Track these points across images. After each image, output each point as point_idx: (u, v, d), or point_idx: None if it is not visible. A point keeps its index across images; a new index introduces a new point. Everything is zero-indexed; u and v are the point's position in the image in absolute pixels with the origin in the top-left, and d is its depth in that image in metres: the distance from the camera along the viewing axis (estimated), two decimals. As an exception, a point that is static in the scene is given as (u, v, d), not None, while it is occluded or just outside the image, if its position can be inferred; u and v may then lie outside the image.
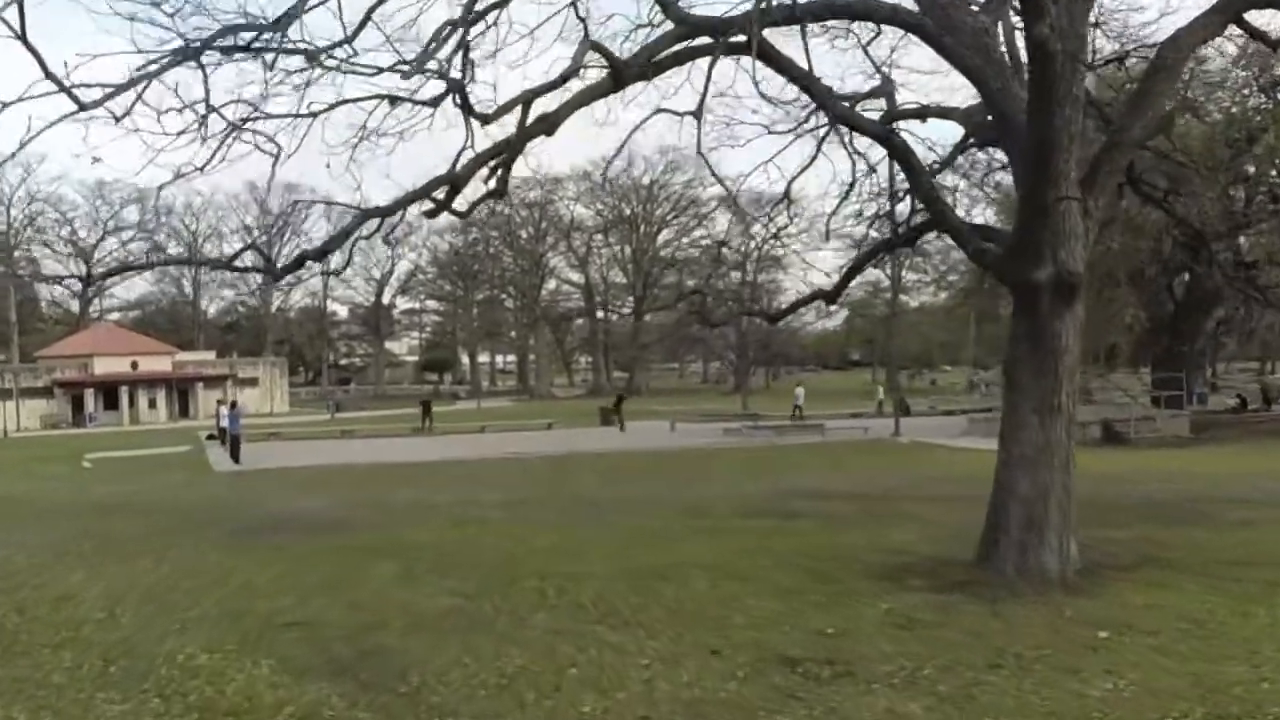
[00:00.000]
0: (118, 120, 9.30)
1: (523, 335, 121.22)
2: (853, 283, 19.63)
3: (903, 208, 18.71)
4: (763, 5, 10.13)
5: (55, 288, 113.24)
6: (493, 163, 10.66)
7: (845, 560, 12.91)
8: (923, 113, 15.76)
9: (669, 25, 11.30)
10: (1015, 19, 13.14)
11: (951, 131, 17.45)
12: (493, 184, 10.85)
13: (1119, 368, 44.72)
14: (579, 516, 19.02)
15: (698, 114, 9.52)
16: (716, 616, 9.95)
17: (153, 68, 9.33)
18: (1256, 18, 13.46)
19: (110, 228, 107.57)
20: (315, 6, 10.26)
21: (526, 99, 10.23)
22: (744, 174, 16.23)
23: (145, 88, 9.41)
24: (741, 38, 10.46)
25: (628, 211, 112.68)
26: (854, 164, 15.27)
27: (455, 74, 10.81)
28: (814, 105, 15.94)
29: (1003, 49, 12.62)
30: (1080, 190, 11.47)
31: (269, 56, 10.08)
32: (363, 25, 10.50)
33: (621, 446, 42.61)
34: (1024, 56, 12.65)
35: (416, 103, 10.85)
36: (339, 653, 8.99)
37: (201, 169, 10.26)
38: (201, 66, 9.60)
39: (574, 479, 29.53)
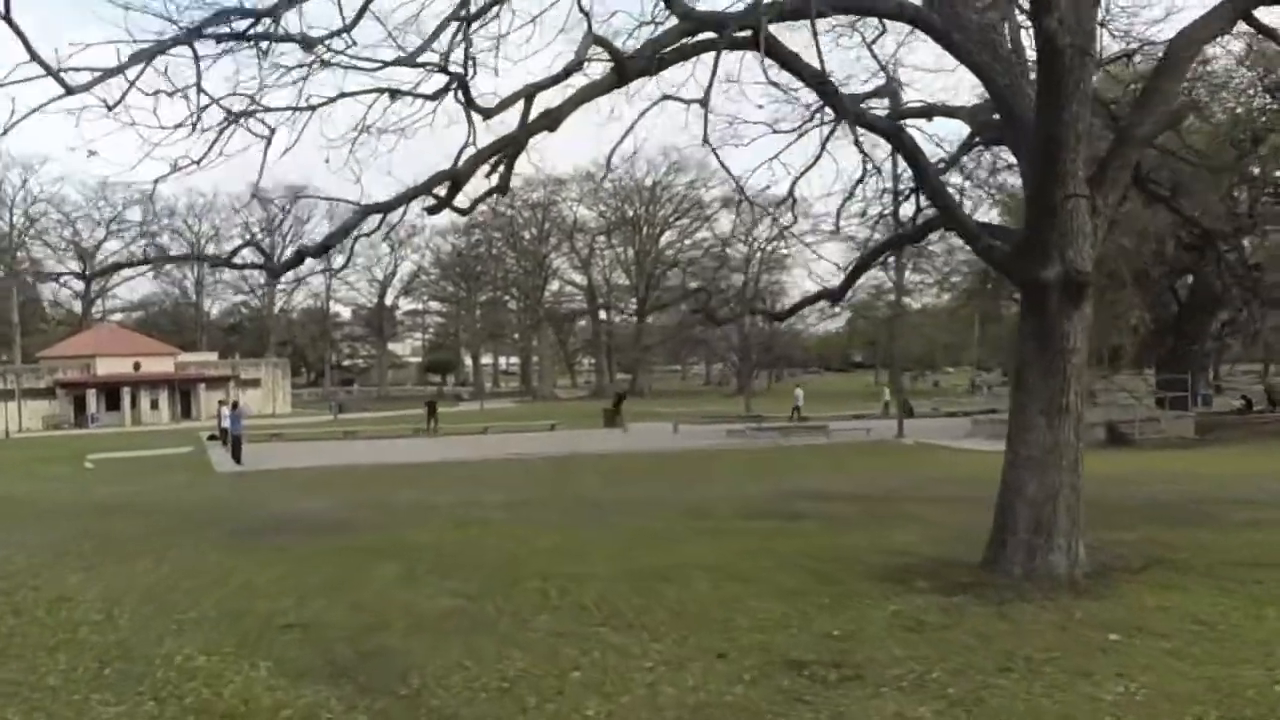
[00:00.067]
0: (110, 109, 9.16)
1: (526, 336, 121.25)
2: (857, 283, 19.51)
3: (908, 207, 18.69)
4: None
5: (59, 289, 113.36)
6: (494, 159, 10.54)
7: (850, 562, 12.78)
8: (928, 111, 15.64)
9: (674, 21, 11.18)
10: (1021, 18, 13.06)
11: (957, 132, 17.43)
12: (495, 180, 10.73)
13: (1123, 369, 44.58)
14: (582, 518, 18.91)
15: (704, 102, 9.40)
16: (721, 619, 9.82)
17: (144, 53, 9.17)
18: (1265, 14, 13.33)
19: (113, 229, 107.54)
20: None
21: (529, 93, 10.11)
22: (749, 171, 16.06)
23: (139, 75, 9.27)
24: (746, 32, 10.34)
25: (630, 213, 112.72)
26: (867, 159, 15.15)
27: (456, 68, 10.72)
28: (819, 104, 15.90)
29: (1009, 46, 12.51)
30: (1089, 188, 11.34)
31: (265, 46, 9.95)
32: (361, 14, 10.37)
33: (624, 448, 42.53)
34: (1030, 54, 12.58)
35: (418, 96, 10.75)
36: (339, 655, 8.86)
37: (198, 162, 10.13)
38: (194, 52, 9.46)
39: (576, 480, 29.44)
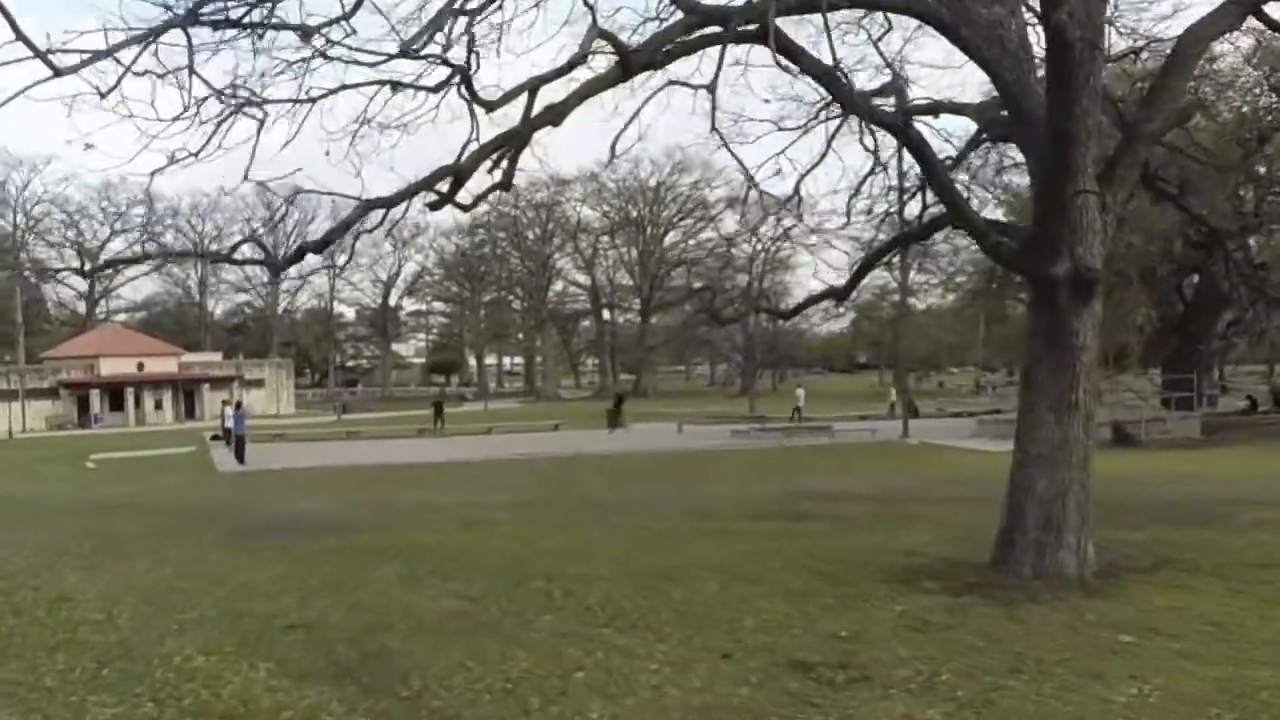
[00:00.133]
0: (102, 96, 9.05)
1: (529, 337, 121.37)
2: (862, 282, 19.41)
3: (913, 206, 18.59)
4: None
5: (61, 289, 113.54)
6: (497, 154, 10.43)
7: (856, 562, 12.65)
8: (935, 108, 15.56)
9: (679, 16, 11.07)
10: (1028, 15, 12.97)
11: (963, 131, 17.33)
12: (498, 176, 10.62)
13: (1130, 369, 44.47)
14: (585, 518, 18.80)
15: (711, 88, 9.27)
16: (727, 619, 9.70)
17: (136, 35, 9.05)
18: (1276, 10, 13.22)
19: (116, 229, 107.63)
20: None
21: (532, 86, 9.99)
22: (755, 167, 15.96)
23: (134, 60, 9.16)
24: (752, 26, 10.24)
25: (634, 213, 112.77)
26: (877, 153, 15.06)
27: (458, 60, 10.61)
28: (824, 101, 15.83)
29: (1016, 42, 12.40)
30: (1098, 185, 11.23)
31: (261, 34, 9.82)
32: (360, 2, 10.26)
33: (628, 448, 42.46)
34: (1037, 51, 12.48)
35: (419, 88, 10.64)
36: (340, 655, 8.75)
37: (196, 154, 10.02)
38: (189, 38, 9.35)
39: (581, 481, 29.39)
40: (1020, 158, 29.40)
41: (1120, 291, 33.68)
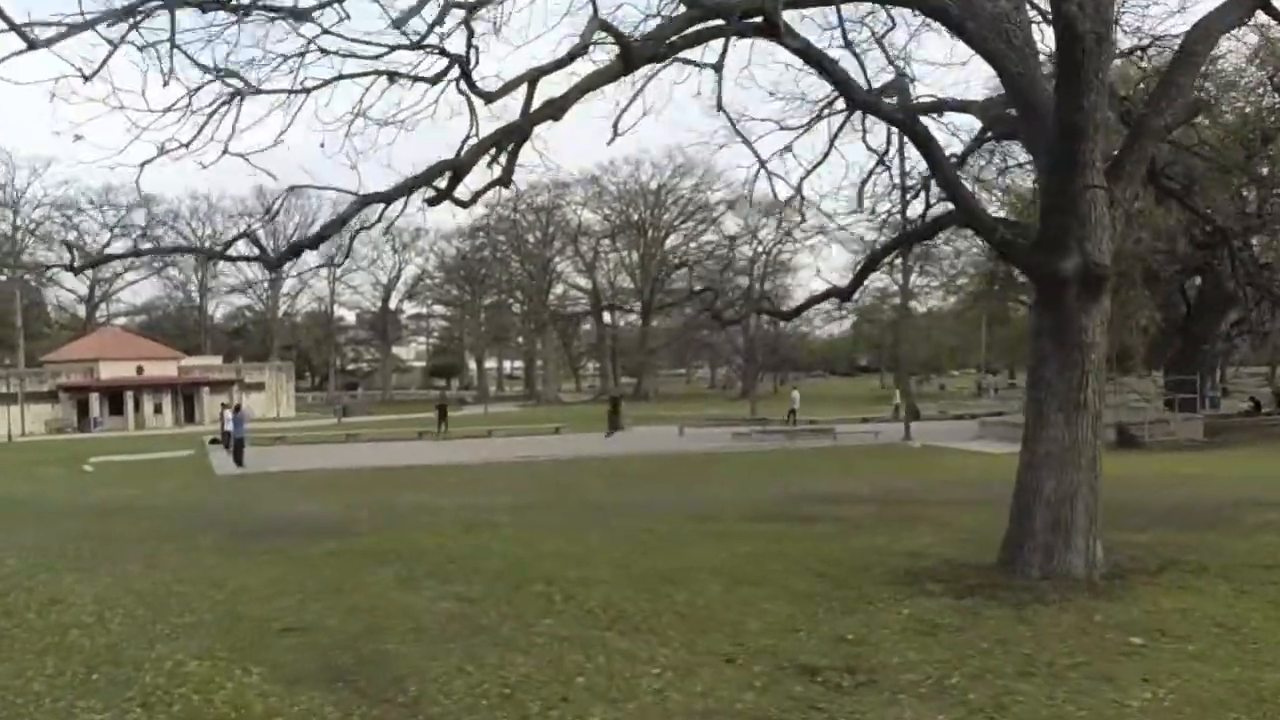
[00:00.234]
0: (86, 79, 8.86)
1: (530, 340, 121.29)
2: (865, 282, 19.27)
3: (916, 205, 18.46)
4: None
5: (61, 292, 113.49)
6: (496, 148, 10.26)
7: (860, 565, 12.48)
8: (939, 106, 15.41)
9: (681, 8, 10.91)
10: (1032, 13, 12.84)
11: (967, 129, 17.19)
12: (497, 172, 10.45)
13: (1133, 370, 44.38)
14: (586, 521, 18.63)
15: (718, 68, 9.12)
16: (730, 622, 9.53)
17: (116, 10, 8.85)
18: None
19: (116, 232, 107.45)
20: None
21: (532, 77, 9.82)
22: (756, 165, 15.82)
23: (121, 39, 8.95)
24: (756, 19, 10.08)
25: (635, 216, 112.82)
26: (886, 149, 14.92)
27: (457, 51, 10.43)
28: (827, 99, 15.69)
29: (1022, 37, 12.26)
30: (1106, 180, 11.08)
31: (250, 15, 9.64)
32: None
33: (629, 451, 42.33)
34: (1042, 48, 12.36)
35: (417, 79, 10.47)
36: (335, 660, 8.57)
37: (187, 145, 9.86)
38: (172, 16, 9.16)
39: (581, 483, 29.28)
40: (1024, 157, 29.27)
41: (1125, 292, 33.55)
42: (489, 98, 10.18)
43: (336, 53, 10.31)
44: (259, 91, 10.13)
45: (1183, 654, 8.11)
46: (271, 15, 9.90)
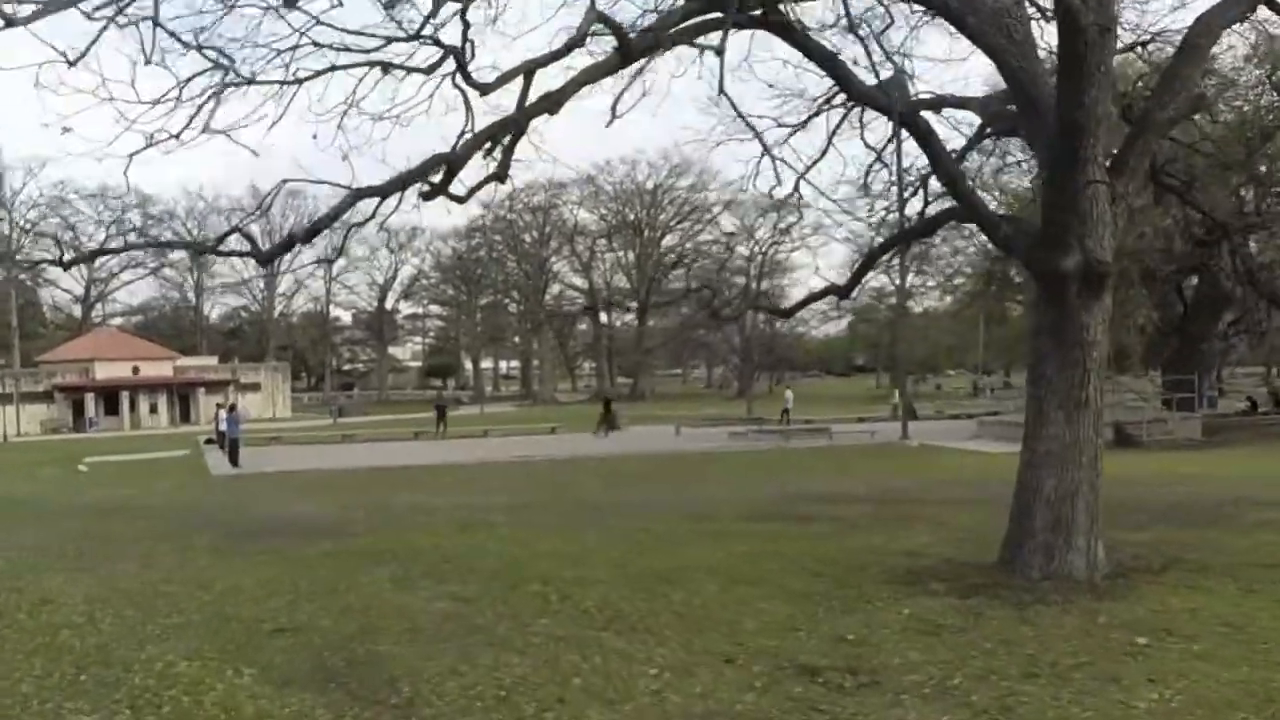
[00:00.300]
0: (71, 65, 8.72)
1: (526, 340, 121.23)
2: (862, 281, 19.18)
3: (915, 202, 18.37)
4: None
5: (56, 292, 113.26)
6: (490, 142, 10.13)
7: (858, 564, 12.37)
8: (939, 102, 15.30)
9: (679, 1, 10.79)
10: (1031, 10, 12.74)
11: (967, 125, 17.10)
12: (493, 167, 10.31)
13: (1130, 370, 44.31)
14: (582, 520, 18.51)
15: (720, 50, 8.99)
16: (728, 622, 9.40)
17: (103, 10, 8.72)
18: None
19: (112, 232, 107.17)
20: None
21: (528, 69, 9.69)
22: (755, 160, 15.73)
23: (105, 23, 8.80)
24: (755, 11, 9.96)
25: (631, 216, 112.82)
26: (885, 147, 14.80)
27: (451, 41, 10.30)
28: (825, 95, 15.59)
29: (1023, 32, 12.16)
30: (1108, 175, 10.97)
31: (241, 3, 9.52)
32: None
33: (625, 450, 42.24)
34: (1041, 45, 12.25)
35: (411, 69, 10.33)
36: (328, 661, 8.45)
37: (177, 135, 9.72)
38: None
39: (577, 483, 29.15)
40: (1021, 156, 29.14)
41: (1123, 291, 33.51)
42: (484, 89, 10.04)
43: (330, 46, 10.18)
44: (249, 82, 9.99)
45: (1188, 654, 8.00)
46: (263, 6, 9.78)
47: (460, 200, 10.69)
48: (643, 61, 10.66)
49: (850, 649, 8.38)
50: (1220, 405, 53.60)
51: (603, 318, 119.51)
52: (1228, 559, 11.98)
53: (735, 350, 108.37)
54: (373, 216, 10.78)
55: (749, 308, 68.36)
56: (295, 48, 10.14)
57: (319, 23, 9.96)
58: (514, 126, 10.04)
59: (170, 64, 9.65)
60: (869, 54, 12.02)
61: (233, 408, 44.99)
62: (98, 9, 8.74)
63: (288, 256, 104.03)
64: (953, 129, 17.15)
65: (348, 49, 10.15)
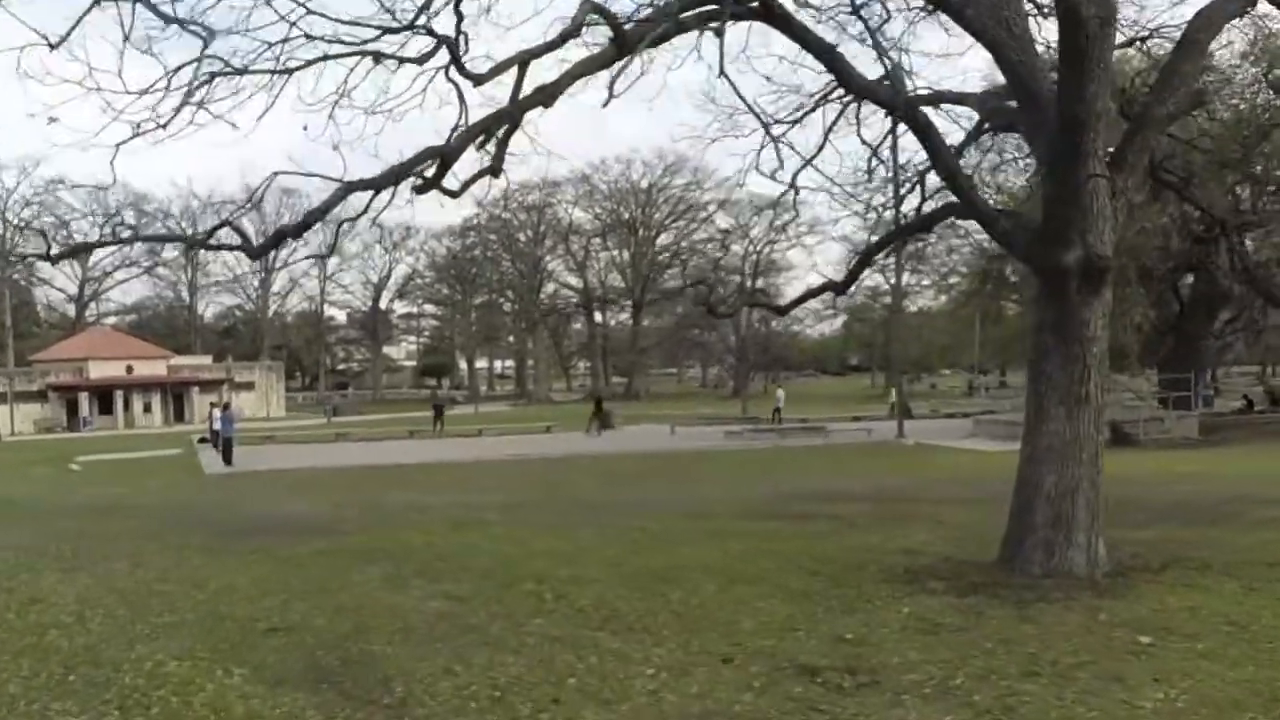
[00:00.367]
0: (52, 48, 8.59)
1: (521, 339, 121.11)
2: (860, 278, 19.08)
3: (911, 199, 18.26)
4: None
5: (51, 292, 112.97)
6: (483, 136, 10.01)
7: (856, 563, 12.28)
8: (936, 98, 15.18)
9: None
10: (1028, 5, 12.66)
11: (966, 119, 16.99)
12: (487, 161, 10.19)
13: (1127, 368, 44.27)
14: (578, 519, 18.40)
15: (720, 32, 8.88)
16: (726, 621, 9.29)
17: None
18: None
19: (107, 232, 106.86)
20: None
21: (523, 59, 9.57)
22: (751, 155, 15.62)
23: (89, 7, 8.67)
24: (753, 4, 9.85)
25: (626, 215, 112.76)
26: (882, 140, 14.70)
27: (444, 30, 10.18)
28: (823, 91, 15.48)
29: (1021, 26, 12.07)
30: (1108, 170, 10.88)
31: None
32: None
33: (621, 449, 42.17)
34: (1039, 41, 12.15)
35: (403, 59, 10.20)
36: (320, 661, 8.32)
37: (164, 125, 9.59)
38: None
39: (572, 482, 29.09)
40: (1017, 154, 29.03)
41: (1120, 289, 33.46)
42: (478, 80, 9.91)
43: (322, 38, 10.06)
44: (238, 71, 9.86)
45: (1192, 653, 7.90)
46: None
47: (454, 195, 10.57)
48: (640, 54, 10.51)
49: (849, 648, 8.27)
50: (1216, 404, 53.63)
51: (597, 317, 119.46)
52: (1229, 557, 11.90)
53: (730, 350, 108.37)
54: (365, 211, 10.66)
55: (746, 304, 68.18)
56: (286, 40, 10.02)
57: (310, 12, 9.84)
58: (508, 119, 9.92)
59: (158, 52, 9.54)
60: (875, 40, 11.87)
61: (226, 406, 44.90)
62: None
63: (282, 254, 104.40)
64: (953, 121, 16.99)
65: (340, 40, 10.04)
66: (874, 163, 16.49)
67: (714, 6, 10.30)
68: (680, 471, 32.63)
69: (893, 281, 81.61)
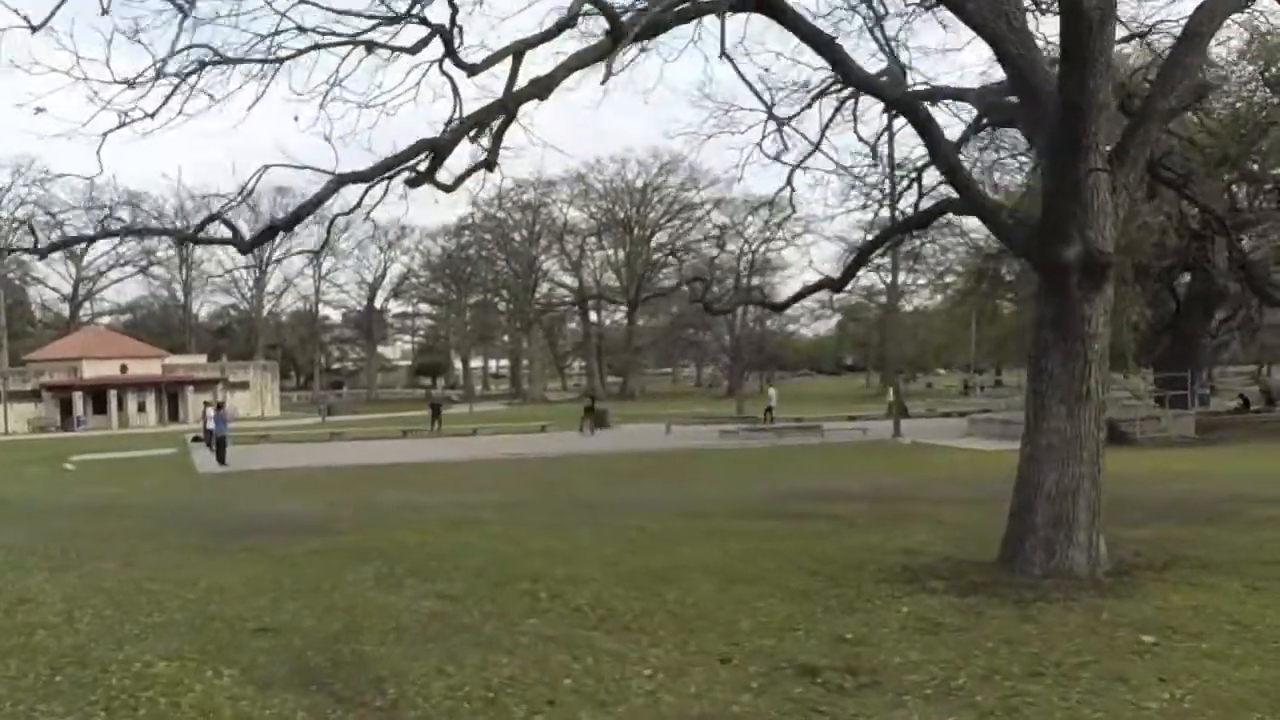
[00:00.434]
0: (34, 30, 8.44)
1: (515, 339, 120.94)
2: (856, 274, 18.95)
3: (909, 196, 18.17)
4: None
5: (45, 291, 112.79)
6: (476, 129, 9.87)
7: (855, 562, 12.17)
8: (935, 93, 15.09)
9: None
10: (1027, 2, 12.56)
11: (966, 114, 16.90)
12: (481, 155, 10.05)
13: (1123, 367, 44.21)
14: (574, 518, 18.27)
15: (720, 13, 8.74)
16: (724, 621, 9.17)
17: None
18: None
19: (101, 231, 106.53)
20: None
21: (517, 50, 9.43)
22: (748, 151, 15.53)
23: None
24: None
25: (621, 215, 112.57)
26: (879, 137, 14.59)
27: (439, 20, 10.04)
28: (820, 87, 15.38)
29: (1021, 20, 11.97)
30: (1109, 164, 10.77)
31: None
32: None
33: (617, 449, 42.05)
34: (1038, 34, 12.06)
35: (395, 49, 10.08)
36: (311, 661, 8.19)
37: (153, 115, 9.44)
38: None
39: (569, 481, 28.96)
40: (1014, 152, 28.93)
41: (1116, 288, 33.41)
42: (472, 70, 9.78)
43: (315, 30, 9.92)
44: (228, 61, 9.71)
45: (1197, 652, 7.82)
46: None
47: (448, 189, 10.42)
48: (636, 45, 10.40)
49: (849, 648, 8.16)
50: (1212, 403, 53.56)
51: (592, 316, 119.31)
52: (1230, 556, 11.84)
53: (725, 349, 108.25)
54: (358, 205, 10.51)
55: (742, 301, 68.02)
56: (278, 32, 9.89)
57: (302, 1, 9.71)
58: (502, 111, 9.78)
59: (147, 41, 9.40)
60: (874, 33, 11.78)
61: (220, 406, 44.75)
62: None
63: (276, 251, 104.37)
64: (953, 115, 16.93)
65: (333, 31, 9.91)
66: (870, 159, 16.40)
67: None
68: (677, 471, 32.52)
69: (888, 280, 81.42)
